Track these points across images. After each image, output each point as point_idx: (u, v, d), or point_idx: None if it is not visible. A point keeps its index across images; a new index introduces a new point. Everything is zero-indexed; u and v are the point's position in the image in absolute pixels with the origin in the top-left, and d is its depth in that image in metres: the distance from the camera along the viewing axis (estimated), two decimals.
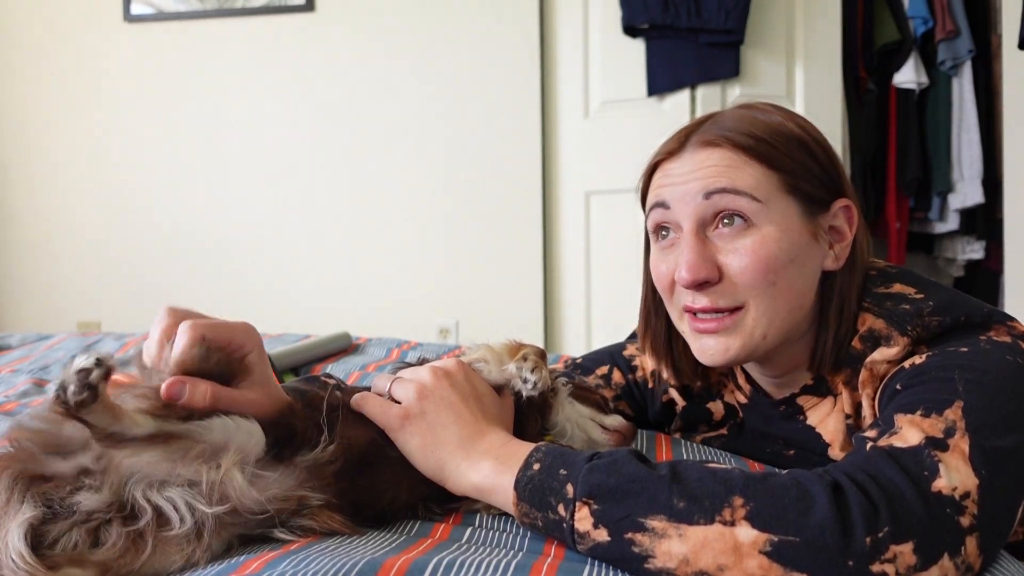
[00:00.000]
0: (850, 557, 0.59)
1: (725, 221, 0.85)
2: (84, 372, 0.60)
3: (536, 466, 0.69)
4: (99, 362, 0.60)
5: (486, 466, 0.72)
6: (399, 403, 0.77)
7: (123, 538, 0.60)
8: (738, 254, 0.84)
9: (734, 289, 0.85)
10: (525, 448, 0.72)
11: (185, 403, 0.67)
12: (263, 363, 0.75)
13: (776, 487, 0.63)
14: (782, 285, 0.85)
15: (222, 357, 0.71)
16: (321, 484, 0.68)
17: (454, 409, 0.76)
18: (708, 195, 0.84)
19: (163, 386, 0.67)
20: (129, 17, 3.27)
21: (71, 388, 0.59)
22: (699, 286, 0.85)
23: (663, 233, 0.91)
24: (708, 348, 0.88)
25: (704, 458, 0.94)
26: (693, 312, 0.88)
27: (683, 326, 0.92)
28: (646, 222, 0.95)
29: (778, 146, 0.86)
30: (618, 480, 0.65)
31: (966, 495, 0.63)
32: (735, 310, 0.85)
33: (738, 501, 0.62)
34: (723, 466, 0.67)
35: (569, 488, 0.66)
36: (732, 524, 0.61)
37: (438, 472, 0.74)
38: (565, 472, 0.67)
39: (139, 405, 0.66)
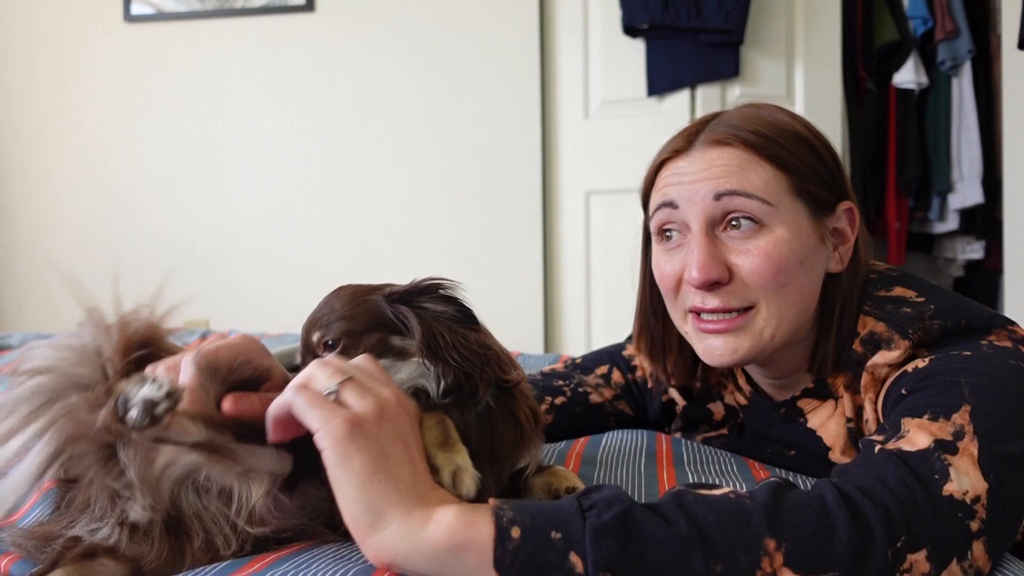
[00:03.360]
0: (875, 575, 0.58)
1: (734, 223, 0.84)
2: (151, 403, 0.56)
3: (515, 532, 0.55)
4: (169, 395, 0.57)
5: (445, 522, 0.56)
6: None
7: (166, 549, 0.60)
8: (749, 255, 0.83)
9: (745, 290, 0.84)
10: (481, 507, 0.58)
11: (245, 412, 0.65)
12: (277, 366, 0.73)
13: (799, 519, 0.59)
14: (792, 287, 0.84)
15: (247, 367, 0.69)
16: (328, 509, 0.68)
17: (407, 447, 0.61)
18: (718, 196, 0.84)
19: (227, 403, 0.64)
20: (129, 17, 3.26)
21: (133, 413, 0.56)
22: (709, 286, 0.84)
23: (668, 234, 0.89)
24: (715, 349, 0.86)
25: (704, 457, 0.94)
26: (699, 313, 0.86)
27: (687, 327, 0.90)
28: (648, 222, 0.94)
29: (787, 147, 0.85)
30: (639, 547, 0.55)
31: (977, 499, 0.63)
32: (745, 310, 0.85)
33: (771, 544, 0.57)
34: (730, 495, 0.61)
35: (575, 560, 0.55)
36: (773, 575, 0.57)
37: (371, 514, 0.57)
38: (560, 536, 0.55)
39: (194, 410, 0.63)
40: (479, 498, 0.62)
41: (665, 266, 0.90)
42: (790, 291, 0.84)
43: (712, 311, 0.85)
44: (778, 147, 0.85)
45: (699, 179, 0.85)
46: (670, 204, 0.87)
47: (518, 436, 0.70)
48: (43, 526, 0.63)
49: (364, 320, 0.70)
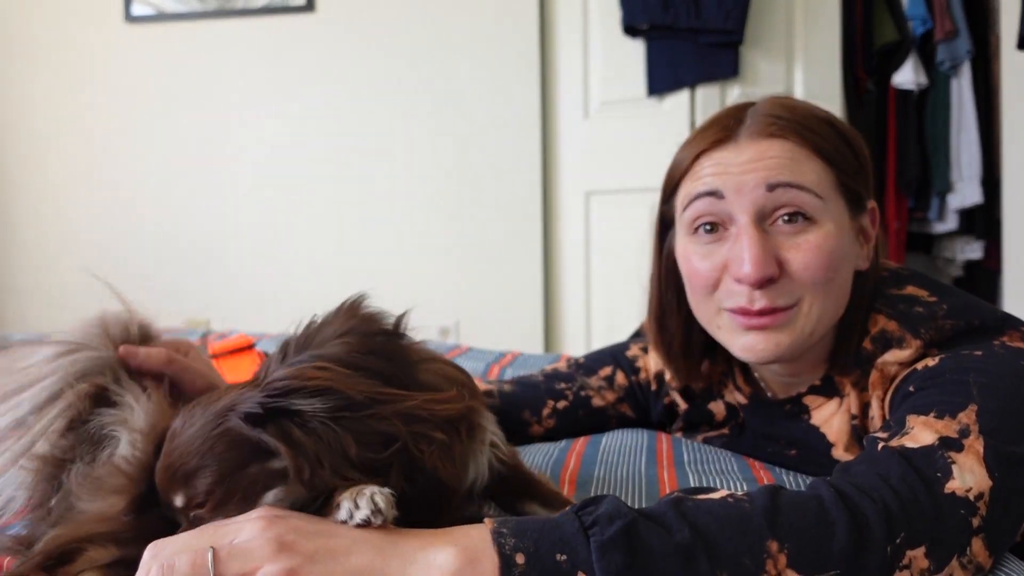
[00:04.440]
0: (876, 573, 0.59)
1: (785, 218, 0.82)
2: None
3: (520, 558, 0.54)
4: None
5: (448, 567, 0.54)
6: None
7: None
8: (801, 250, 0.82)
9: (792, 286, 0.82)
10: (478, 533, 0.56)
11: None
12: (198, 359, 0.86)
13: (798, 519, 0.59)
14: (837, 283, 0.84)
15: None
16: None
17: (331, 536, 0.55)
18: (771, 187, 0.81)
19: None
20: (129, 17, 3.26)
21: None
22: (761, 284, 0.81)
23: (706, 227, 0.86)
24: (756, 345, 0.84)
25: (705, 457, 0.94)
26: (745, 311, 0.83)
27: (719, 322, 0.88)
28: (668, 213, 0.91)
29: (833, 141, 0.85)
30: (644, 559, 0.55)
31: (980, 496, 0.63)
32: (789, 307, 0.83)
33: (773, 546, 0.57)
34: (728, 498, 0.61)
35: None
36: None
37: None
38: (565, 557, 0.55)
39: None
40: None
41: (700, 262, 0.86)
42: (834, 287, 0.84)
43: (760, 311, 0.82)
44: (824, 141, 0.84)
45: (748, 169, 0.82)
46: (713, 193, 0.84)
47: (442, 492, 0.61)
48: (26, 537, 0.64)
49: (231, 458, 0.56)
